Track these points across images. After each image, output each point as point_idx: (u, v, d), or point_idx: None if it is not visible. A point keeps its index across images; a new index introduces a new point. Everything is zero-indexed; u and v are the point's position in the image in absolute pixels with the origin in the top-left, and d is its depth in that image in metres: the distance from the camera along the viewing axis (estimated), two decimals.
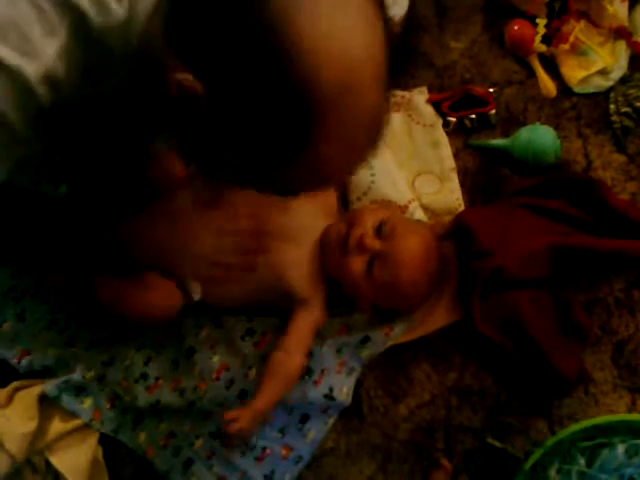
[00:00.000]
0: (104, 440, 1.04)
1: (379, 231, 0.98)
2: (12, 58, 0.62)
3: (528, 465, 0.90)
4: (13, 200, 0.87)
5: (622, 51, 1.19)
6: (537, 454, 0.91)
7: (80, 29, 0.65)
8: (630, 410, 1.01)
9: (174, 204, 0.98)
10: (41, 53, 0.63)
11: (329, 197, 1.09)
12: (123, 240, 0.96)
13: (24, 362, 1.05)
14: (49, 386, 1.03)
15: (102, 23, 0.65)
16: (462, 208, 1.10)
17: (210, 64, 0.59)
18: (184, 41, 0.60)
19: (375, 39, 0.60)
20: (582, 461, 0.91)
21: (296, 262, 1.02)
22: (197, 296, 1.03)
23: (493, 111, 1.16)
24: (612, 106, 1.17)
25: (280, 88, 0.57)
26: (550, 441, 0.91)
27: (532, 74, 1.21)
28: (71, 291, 1.08)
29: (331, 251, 1.00)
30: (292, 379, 0.99)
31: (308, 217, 1.05)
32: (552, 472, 0.91)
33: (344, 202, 1.12)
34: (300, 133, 0.60)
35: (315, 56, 0.56)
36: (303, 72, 0.56)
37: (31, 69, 0.63)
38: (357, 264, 0.98)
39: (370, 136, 0.66)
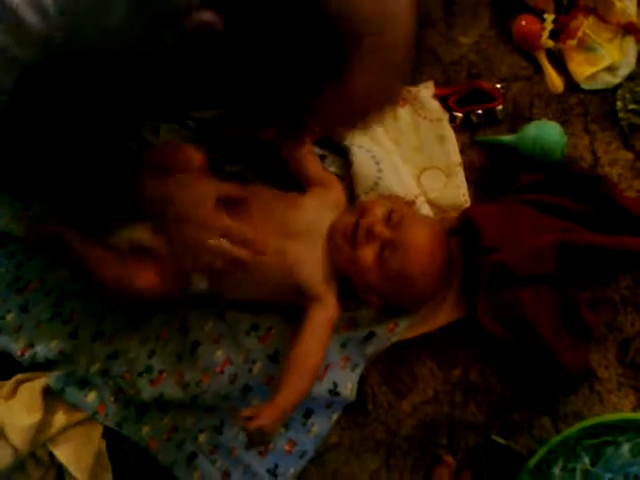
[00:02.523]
0: (107, 433, 1.04)
1: (388, 221, 0.98)
2: None
3: (533, 462, 0.90)
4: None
5: (630, 47, 1.18)
6: (542, 451, 0.91)
7: None
8: (635, 409, 1.00)
9: (197, 190, 0.99)
10: None
11: (337, 193, 1.09)
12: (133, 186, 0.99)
13: (27, 355, 1.05)
14: (53, 379, 1.03)
15: None
16: (468, 204, 1.10)
17: None
18: None
19: None
20: (586, 459, 0.91)
21: (307, 258, 1.01)
22: (203, 285, 1.03)
23: (500, 107, 1.15)
24: (619, 103, 1.16)
25: (315, 15, 0.56)
26: (555, 439, 0.91)
27: (539, 70, 1.20)
28: (51, 247, 1.06)
29: (340, 243, 0.99)
30: (313, 375, 0.96)
31: (319, 214, 1.04)
32: (556, 470, 0.91)
33: (351, 198, 1.11)
34: (334, 60, 0.60)
35: None
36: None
37: None
38: (367, 254, 0.97)
39: (399, 75, 0.66)
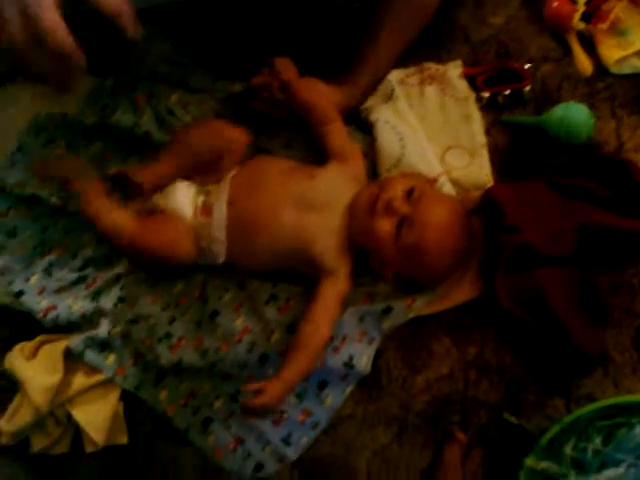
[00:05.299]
0: (125, 397, 1.06)
1: (409, 196, 0.98)
2: None
3: (545, 440, 0.91)
4: None
5: None
6: (554, 430, 0.91)
7: None
8: None
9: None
10: None
11: (358, 167, 1.09)
12: None
13: (50, 317, 1.07)
14: (74, 341, 1.05)
15: None
16: (491, 184, 1.09)
17: None
18: None
19: None
20: (598, 440, 0.91)
21: (324, 231, 1.02)
22: (221, 258, 1.04)
23: (528, 87, 1.15)
24: None
25: None
26: (568, 418, 0.91)
27: (569, 52, 1.19)
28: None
29: (360, 213, 1.00)
30: (319, 351, 0.98)
31: (337, 187, 1.05)
32: (568, 449, 0.92)
33: (373, 174, 1.12)
34: None
35: None
36: None
37: None
38: (385, 226, 0.97)
39: None
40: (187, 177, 1.09)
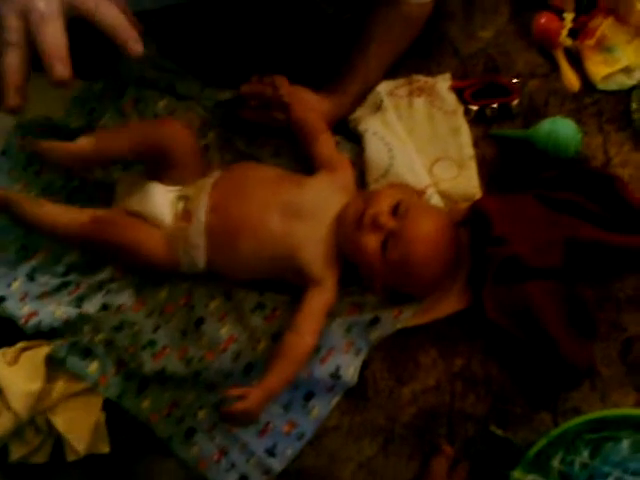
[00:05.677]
0: (107, 406, 1.04)
1: (395, 211, 0.98)
2: None
3: (532, 452, 0.91)
4: None
5: None
6: (541, 443, 0.91)
7: None
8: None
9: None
10: None
11: (346, 176, 1.09)
12: None
13: (32, 323, 1.05)
14: (56, 347, 1.03)
15: None
16: (479, 196, 1.10)
17: None
18: None
19: None
20: (586, 453, 0.91)
21: (311, 240, 1.01)
22: (200, 264, 1.04)
23: (516, 101, 1.16)
24: (634, 104, 1.16)
25: None
26: (555, 431, 0.91)
27: (556, 68, 1.20)
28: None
29: (347, 227, 0.99)
30: (302, 361, 0.98)
31: (325, 196, 1.04)
32: (555, 462, 0.91)
33: (361, 183, 1.12)
34: None
35: None
36: None
37: None
38: (371, 242, 0.97)
39: None
40: (151, 178, 1.07)
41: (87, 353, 1.04)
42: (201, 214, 1.02)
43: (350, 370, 1.03)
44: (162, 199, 1.05)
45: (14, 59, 0.74)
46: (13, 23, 0.73)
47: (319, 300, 1.00)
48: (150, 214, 1.04)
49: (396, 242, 0.97)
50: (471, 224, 1.06)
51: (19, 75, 0.74)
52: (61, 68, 0.73)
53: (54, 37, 0.73)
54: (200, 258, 1.03)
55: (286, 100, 1.09)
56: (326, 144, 1.10)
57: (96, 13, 0.76)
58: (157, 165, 1.06)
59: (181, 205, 1.05)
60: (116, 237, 1.02)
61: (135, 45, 0.77)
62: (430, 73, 1.21)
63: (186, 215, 1.03)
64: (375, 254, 0.97)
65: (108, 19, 0.76)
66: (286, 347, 0.97)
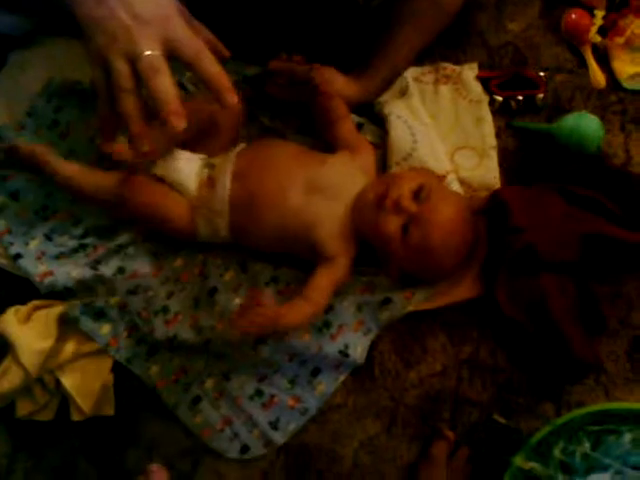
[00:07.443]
0: (115, 370, 1.05)
1: (417, 195, 0.98)
2: None
3: (534, 440, 0.91)
4: None
5: None
6: (544, 431, 0.92)
7: None
8: None
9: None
10: None
11: (368, 157, 1.10)
12: None
13: (47, 281, 1.05)
14: (70, 306, 1.03)
15: None
16: (498, 186, 1.11)
17: None
18: None
19: None
20: (587, 444, 0.92)
21: (328, 218, 1.02)
22: (223, 232, 1.04)
23: (541, 95, 1.16)
24: None
25: None
26: (559, 420, 0.92)
27: (583, 64, 1.21)
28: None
29: (367, 208, 1.00)
30: (303, 320, 1.00)
31: (346, 175, 1.05)
32: (557, 451, 0.92)
33: (383, 166, 1.12)
34: None
35: None
36: None
37: None
38: (392, 224, 0.98)
39: None
40: (186, 147, 1.08)
41: (100, 315, 1.04)
42: (225, 181, 1.03)
43: (358, 349, 1.03)
44: (188, 166, 1.05)
45: (131, 106, 0.80)
46: (123, 68, 0.79)
47: (327, 276, 1.01)
48: (176, 180, 1.04)
49: (417, 226, 0.97)
50: (489, 213, 1.07)
51: (140, 122, 0.81)
52: (176, 120, 0.79)
53: (167, 89, 0.79)
54: (223, 225, 1.04)
55: (316, 80, 1.09)
56: (347, 127, 1.11)
57: (195, 61, 0.81)
58: (195, 133, 1.07)
59: (206, 172, 1.06)
60: (143, 197, 1.03)
61: (229, 96, 0.83)
62: (457, 62, 1.21)
63: (210, 182, 1.04)
64: (395, 237, 0.98)
65: (207, 69, 0.82)
66: (292, 303, 0.99)
